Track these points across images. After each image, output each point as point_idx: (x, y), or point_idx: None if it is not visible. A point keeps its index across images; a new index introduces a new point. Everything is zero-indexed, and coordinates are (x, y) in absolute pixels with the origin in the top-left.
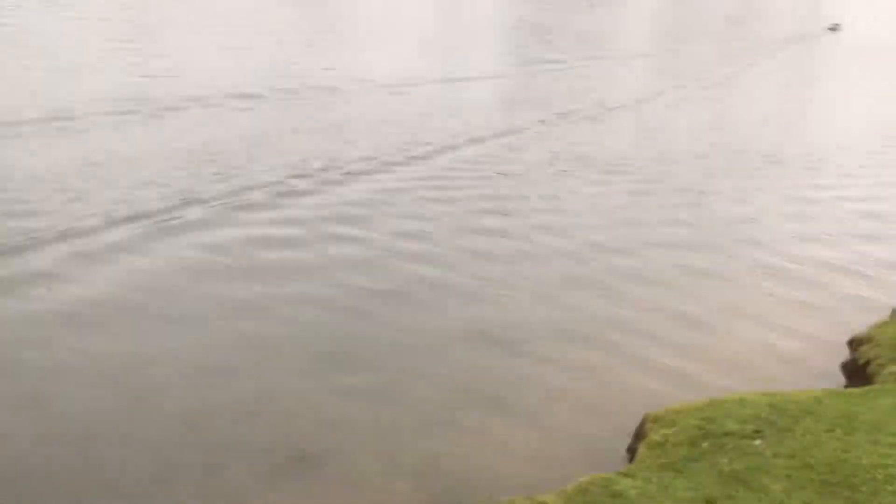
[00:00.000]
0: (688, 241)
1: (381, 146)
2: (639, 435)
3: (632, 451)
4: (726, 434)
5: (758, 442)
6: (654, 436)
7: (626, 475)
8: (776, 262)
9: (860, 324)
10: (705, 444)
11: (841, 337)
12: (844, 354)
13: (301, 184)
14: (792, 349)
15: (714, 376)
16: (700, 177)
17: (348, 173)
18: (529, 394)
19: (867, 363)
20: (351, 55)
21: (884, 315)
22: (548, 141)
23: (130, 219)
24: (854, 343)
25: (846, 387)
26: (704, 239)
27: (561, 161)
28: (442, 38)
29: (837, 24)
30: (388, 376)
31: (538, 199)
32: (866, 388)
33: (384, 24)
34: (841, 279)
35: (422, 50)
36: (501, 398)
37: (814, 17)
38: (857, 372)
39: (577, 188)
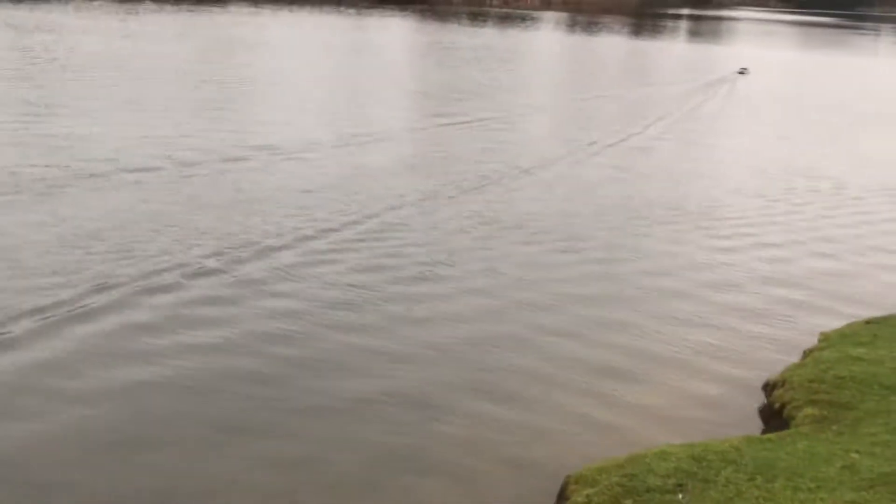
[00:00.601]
0: (604, 295)
1: (292, 218)
2: (562, 496)
3: None
4: (649, 490)
5: (680, 496)
6: (577, 497)
7: None
8: (689, 310)
9: (776, 367)
10: (628, 502)
11: (757, 381)
12: (761, 398)
13: (211, 262)
14: (710, 396)
15: (635, 427)
16: (612, 232)
17: (263, 248)
18: (452, 455)
19: (783, 406)
20: (248, 122)
21: (797, 357)
22: (461, 204)
23: (37, 310)
24: (769, 387)
25: (764, 432)
26: (619, 292)
27: (475, 224)
28: (341, 98)
29: (745, 69)
30: (308, 442)
31: (459, 263)
32: (783, 432)
33: (281, 89)
34: (753, 324)
35: (324, 111)
36: (423, 460)
37: (717, 65)
38: (773, 416)
39: (495, 248)
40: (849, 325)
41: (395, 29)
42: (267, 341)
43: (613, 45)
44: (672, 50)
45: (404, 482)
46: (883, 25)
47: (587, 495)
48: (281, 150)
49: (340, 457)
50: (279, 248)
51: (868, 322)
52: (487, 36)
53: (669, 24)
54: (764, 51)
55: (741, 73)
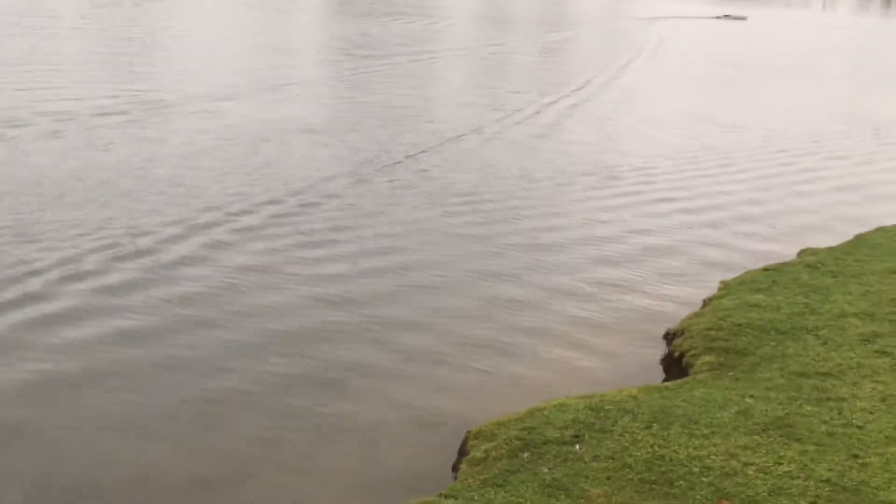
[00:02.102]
0: (511, 249)
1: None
2: (462, 452)
3: (457, 470)
4: (546, 442)
5: (577, 447)
6: (476, 452)
7: (447, 496)
8: (593, 264)
9: (678, 316)
10: (526, 455)
11: (660, 332)
12: (663, 348)
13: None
14: (613, 348)
15: (538, 382)
16: (522, 203)
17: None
18: (353, 414)
19: (682, 355)
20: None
21: (699, 306)
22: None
23: None
24: (669, 336)
25: (664, 381)
26: (527, 244)
27: (397, 187)
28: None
29: (729, 15)
30: (213, 406)
31: (372, 236)
32: (681, 380)
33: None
34: (656, 276)
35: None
36: (323, 421)
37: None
38: (673, 365)
39: (414, 218)
40: (748, 273)
41: None
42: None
43: None
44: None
45: (305, 445)
46: None
47: (486, 450)
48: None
49: (240, 422)
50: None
51: (766, 269)
52: None
53: None
54: (667, 4)
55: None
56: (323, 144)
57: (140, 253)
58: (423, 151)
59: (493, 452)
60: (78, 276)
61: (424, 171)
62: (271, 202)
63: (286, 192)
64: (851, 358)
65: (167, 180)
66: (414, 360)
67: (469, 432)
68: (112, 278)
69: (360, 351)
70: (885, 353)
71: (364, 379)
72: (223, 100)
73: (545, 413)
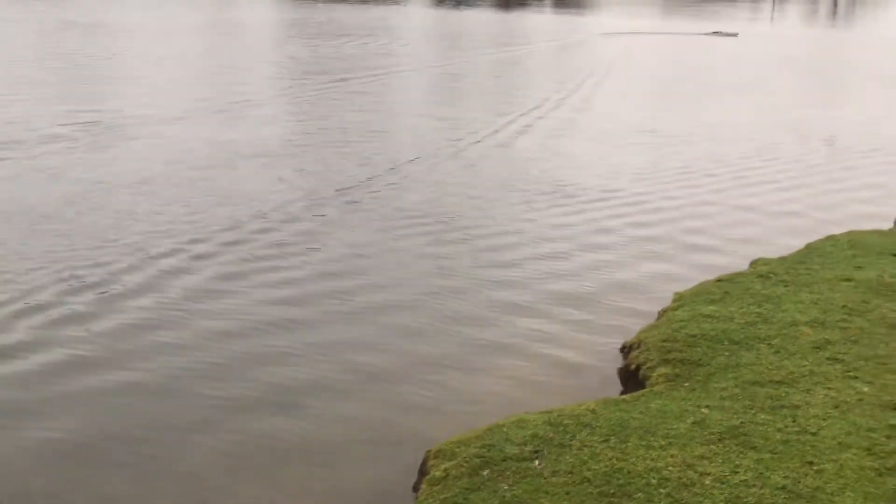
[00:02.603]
0: (471, 264)
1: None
2: (422, 471)
3: (417, 490)
4: (506, 459)
5: (536, 462)
6: (436, 471)
7: None
8: (548, 280)
9: (635, 328)
10: (486, 472)
11: (617, 345)
12: (620, 361)
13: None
14: (572, 363)
15: (498, 399)
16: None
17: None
18: (311, 436)
19: (638, 367)
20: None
21: (654, 318)
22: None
23: None
24: (625, 349)
25: (622, 394)
26: (482, 263)
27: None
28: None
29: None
30: (161, 437)
31: (325, 259)
32: (638, 392)
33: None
34: (614, 289)
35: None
36: (281, 444)
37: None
38: (630, 377)
39: (364, 240)
40: (702, 284)
41: (264, 8)
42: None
43: (483, 17)
44: (540, 20)
45: (263, 468)
46: None
47: (445, 469)
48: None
49: (197, 448)
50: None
51: (719, 280)
52: (362, 10)
53: None
54: (625, 20)
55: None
56: (275, 167)
57: (88, 284)
58: (377, 175)
59: (454, 471)
60: (25, 311)
61: (378, 192)
62: (223, 229)
63: (238, 218)
64: (804, 366)
65: (114, 209)
66: (371, 380)
67: (429, 451)
68: (59, 310)
69: (315, 373)
70: (836, 360)
71: (321, 401)
72: (172, 122)
73: (504, 429)
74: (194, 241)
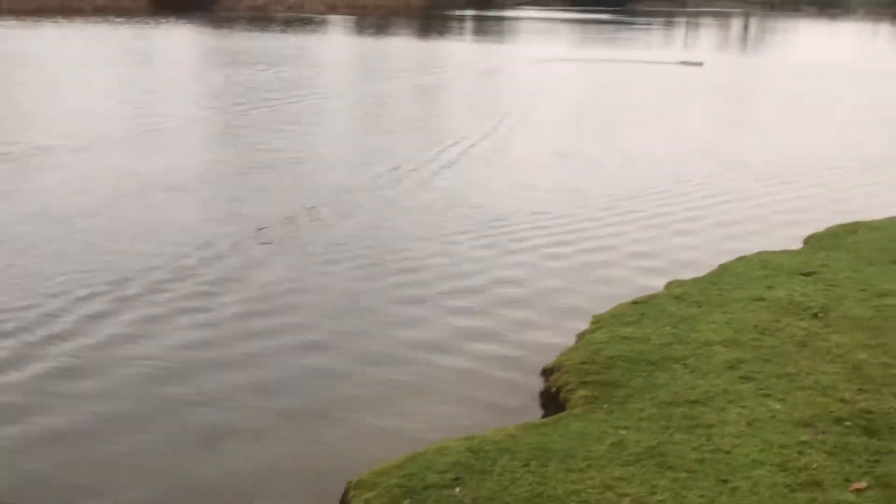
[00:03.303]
0: (389, 296)
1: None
2: (343, 503)
3: None
4: (427, 487)
5: (458, 490)
6: (357, 502)
7: None
8: (464, 306)
9: (555, 352)
10: (407, 502)
11: (538, 368)
12: (541, 385)
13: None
14: (493, 388)
15: (420, 427)
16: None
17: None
18: (231, 471)
19: (558, 390)
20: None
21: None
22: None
23: None
24: (546, 372)
25: (543, 417)
26: (393, 292)
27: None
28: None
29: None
30: (89, 474)
31: (238, 300)
32: (558, 415)
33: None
34: (531, 313)
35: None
36: (198, 478)
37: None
38: (551, 401)
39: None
40: (619, 306)
41: (178, 38)
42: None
43: (403, 44)
44: (460, 47)
45: None
46: (654, 19)
47: (366, 499)
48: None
49: (118, 491)
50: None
51: (635, 302)
52: (279, 39)
53: (456, 24)
54: (547, 47)
55: (695, 64)
56: (189, 201)
57: None
58: (297, 210)
59: (375, 501)
60: None
61: (299, 228)
62: (142, 269)
63: (154, 257)
64: (718, 385)
65: (19, 247)
66: (289, 418)
67: (349, 482)
68: None
69: (233, 414)
70: (749, 379)
71: (239, 440)
72: (80, 152)
73: (426, 458)
74: (111, 284)
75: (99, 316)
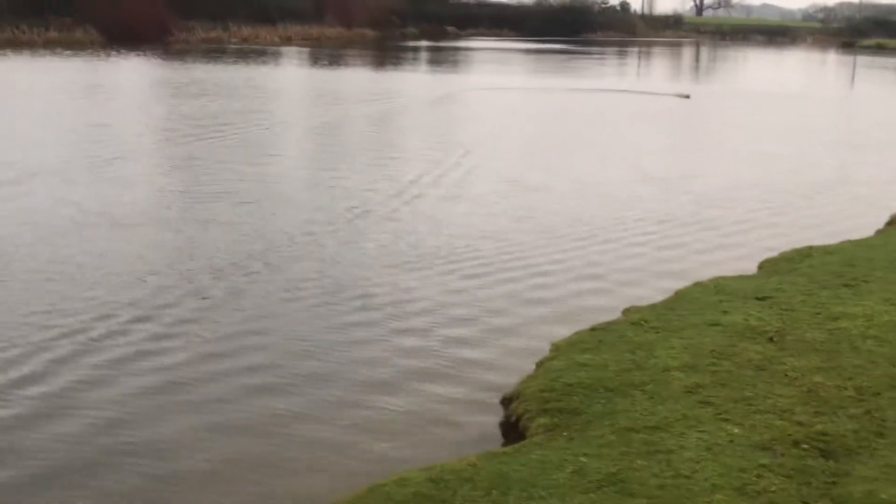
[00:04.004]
0: (342, 329)
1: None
2: None
3: None
4: None
5: None
6: None
7: None
8: (415, 341)
9: (513, 380)
10: None
11: (497, 397)
12: (501, 413)
13: None
14: (452, 418)
15: (380, 460)
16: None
17: None
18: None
19: (518, 419)
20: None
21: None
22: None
23: None
24: (506, 401)
25: (503, 446)
26: (350, 323)
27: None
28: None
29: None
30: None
31: (198, 342)
32: (519, 444)
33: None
34: (489, 342)
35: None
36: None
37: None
38: (511, 429)
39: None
40: (576, 334)
41: (127, 70)
42: None
43: (357, 75)
44: (414, 78)
45: None
46: (606, 49)
47: None
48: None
49: None
50: None
51: (593, 329)
52: (230, 71)
53: (410, 55)
54: (504, 77)
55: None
56: (137, 239)
57: None
58: (253, 250)
59: None
60: None
61: (254, 272)
62: (96, 316)
63: (105, 299)
64: (677, 410)
65: None
66: (246, 455)
67: None
68: None
69: (191, 458)
70: (707, 404)
71: (199, 483)
72: (18, 184)
73: (386, 489)
74: (65, 329)
75: (57, 362)
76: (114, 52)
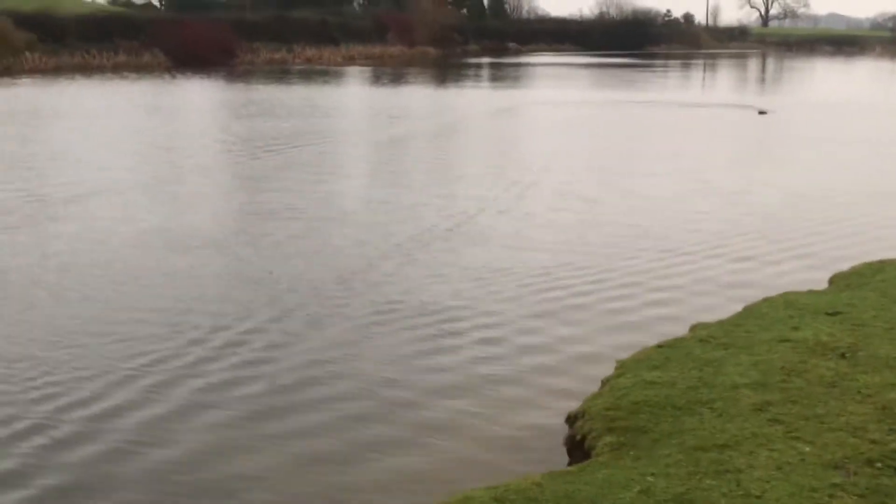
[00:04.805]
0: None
1: None
2: None
3: None
4: None
5: None
6: None
7: None
8: (485, 355)
9: (578, 399)
10: None
11: (561, 416)
12: (565, 432)
13: None
14: (517, 438)
15: (444, 479)
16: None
17: None
18: None
19: (584, 438)
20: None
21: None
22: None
23: None
24: (570, 419)
25: (568, 465)
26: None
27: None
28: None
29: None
30: None
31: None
32: (584, 463)
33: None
34: (550, 360)
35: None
36: None
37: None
38: (576, 448)
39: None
40: (643, 351)
41: (191, 91)
42: None
43: (419, 92)
44: (475, 94)
45: None
46: (671, 62)
47: None
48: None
49: None
50: None
51: (660, 346)
52: (292, 91)
53: (472, 71)
54: (563, 91)
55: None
56: (218, 258)
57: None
58: (319, 286)
59: None
60: None
61: (336, 295)
62: (181, 344)
63: (184, 323)
64: (746, 428)
65: (43, 311)
66: (314, 462)
67: None
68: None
69: (278, 490)
70: (777, 422)
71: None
72: (99, 199)
73: None
74: (154, 357)
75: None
76: (179, 75)
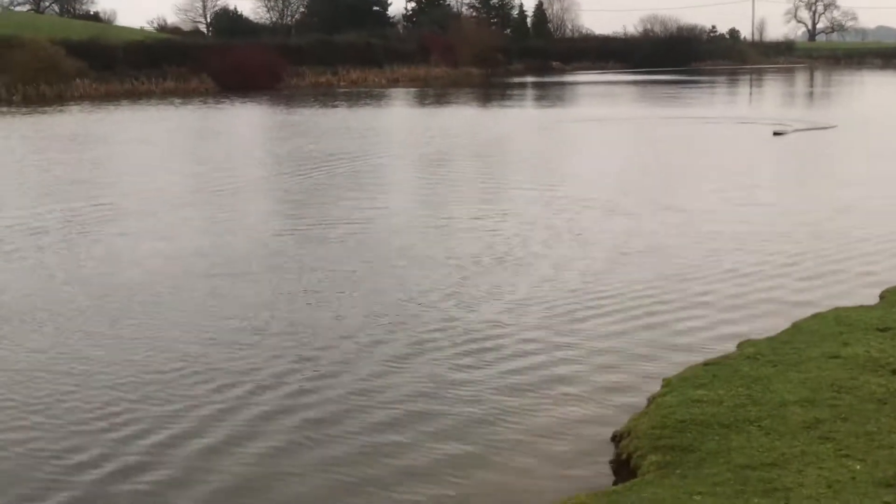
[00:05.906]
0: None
1: None
2: None
3: None
4: None
5: None
6: None
7: None
8: (520, 379)
9: (623, 418)
10: None
11: (607, 435)
12: (611, 451)
13: None
14: (562, 457)
15: (488, 500)
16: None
17: None
18: None
19: (629, 457)
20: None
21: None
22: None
23: None
24: (616, 438)
25: (614, 484)
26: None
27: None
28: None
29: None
30: None
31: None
32: (630, 482)
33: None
34: (597, 378)
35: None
36: None
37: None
38: (622, 467)
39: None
40: (689, 368)
41: (235, 115)
42: None
43: (465, 112)
44: (521, 113)
45: None
46: (717, 78)
47: None
48: None
49: None
50: None
51: (706, 364)
52: (338, 113)
53: (516, 91)
54: (607, 109)
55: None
56: (261, 290)
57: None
58: (371, 320)
59: None
60: None
61: (388, 322)
62: (222, 367)
63: (252, 351)
64: (795, 446)
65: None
66: (362, 484)
67: None
68: None
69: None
70: (827, 439)
71: None
72: (142, 219)
73: None
74: (203, 390)
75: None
76: (224, 100)
